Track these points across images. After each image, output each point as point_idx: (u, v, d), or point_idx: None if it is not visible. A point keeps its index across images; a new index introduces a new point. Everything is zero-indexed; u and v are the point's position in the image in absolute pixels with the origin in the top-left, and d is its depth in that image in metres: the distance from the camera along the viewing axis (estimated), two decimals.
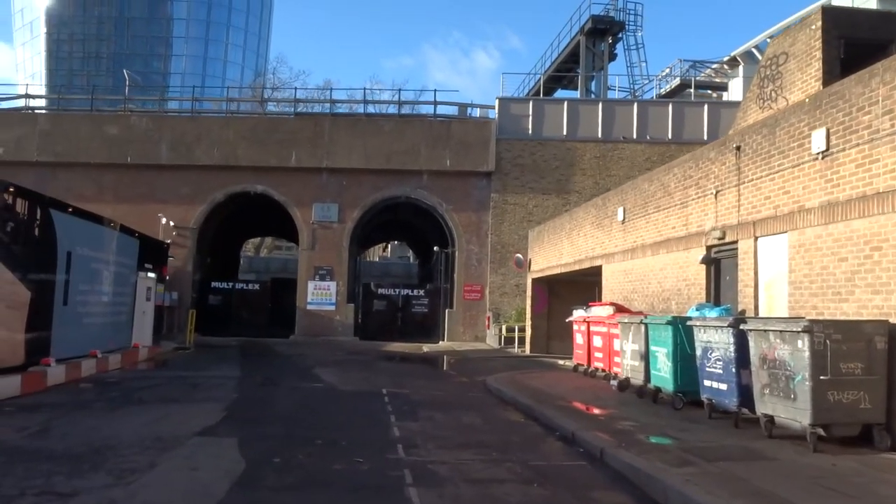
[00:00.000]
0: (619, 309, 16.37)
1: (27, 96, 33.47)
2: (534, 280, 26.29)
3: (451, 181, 32.39)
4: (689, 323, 11.59)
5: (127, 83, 34.51)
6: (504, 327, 29.15)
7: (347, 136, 32.13)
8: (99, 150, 31.97)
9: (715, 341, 10.78)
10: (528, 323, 26.40)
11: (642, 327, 13.33)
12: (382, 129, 32.34)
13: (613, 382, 15.24)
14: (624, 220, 17.51)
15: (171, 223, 31.75)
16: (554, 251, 23.65)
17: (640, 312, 15.44)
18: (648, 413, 11.55)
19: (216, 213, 33.33)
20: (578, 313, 18.31)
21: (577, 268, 20.97)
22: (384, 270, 57.86)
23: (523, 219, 30.98)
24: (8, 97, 33.91)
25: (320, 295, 32.02)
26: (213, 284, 33.03)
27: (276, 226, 36.71)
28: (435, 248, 34.11)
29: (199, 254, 32.72)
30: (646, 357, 13.22)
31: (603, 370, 16.50)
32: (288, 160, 31.99)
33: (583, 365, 17.81)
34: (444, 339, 31.66)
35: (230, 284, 33.28)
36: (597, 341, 16.79)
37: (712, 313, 11.82)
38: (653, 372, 12.85)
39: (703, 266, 13.57)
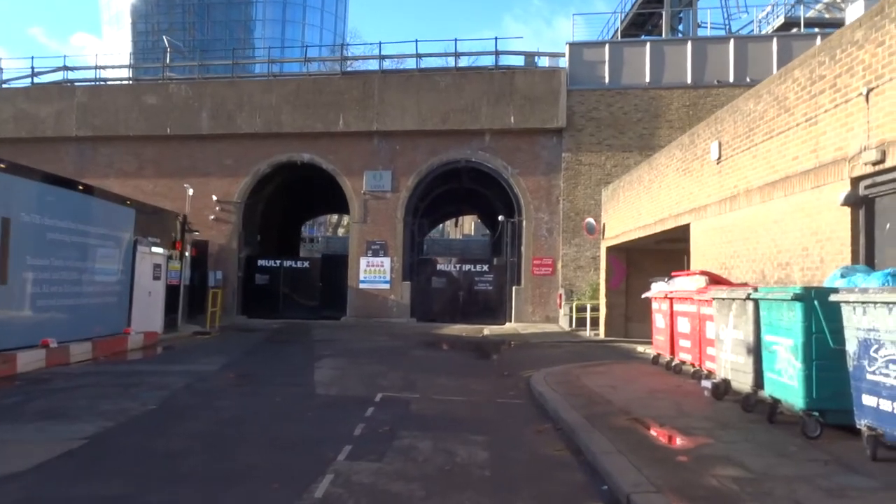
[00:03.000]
0: (714, 280, 11.45)
1: (65, 69, 30.87)
2: (608, 249, 21.34)
3: (516, 141, 27.64)
4: (833, 298, 6.71)
5: (168, 50, 31.59)
6: (574, 306, 24.31)
7: (399, 95, 27.87)
8: (138, 121, 29.05)
9: (886, 329, 5.92)
10: (602, 301, 21.51)
11: (749, 305, 8.50)
12: (438, 85, 27.84)
13: (706, 384, 10.39)
14: (719, 158, 12.48)
15: (214, 197, 28.52)
16: (631, 211, 18.66)
17: (743, 284, 10.53)
18: (763, 446, 6.80)
19: (262, 185, 29.86)
20: (658, 287, 13.46)
21: (658, 229, 15.99)
22: (448, 246, 53.49)
23: (600, 181, 25.88)
24: (46, 70, 31.41)
25: (373, 272, 28.07)
26: (260, 262, 29.56)
27: (327, 198, 32.93)
28: (499, 218, 29.46)
29: (245, 230, 29.34)
30: (755, 350, 8.41)
31: (691, 364, 11.67)
32: (335, 124, 28.07)
33: (664, 356, 12.99)
34: (510, 320, 27.11)
35: (277, 262, 29.68)
36: (682, 325, 11.93)
37: (871, 281, 6.90)
38: (767, 374, 8.02)
39: (847, 210, 8.53)
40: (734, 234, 11.87)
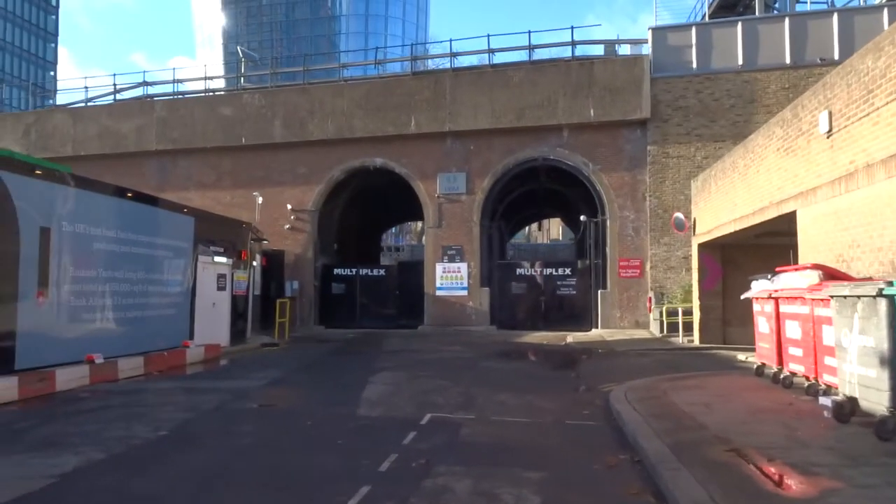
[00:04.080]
0: (830, 275, 9.44)
1: (145, 83, 31.12)
2: (701, 246, 19.16)
3: (597, 135, 25.71)
4: None
5: (242, 61, 31.40)
6: (664, 310, 22.14)
7: (471, 93, 26.47)
8: (214, 133, 28.86)
9: None
10: (696, 304, 19.31)
11: (882, 304, 6.60)
12: (511, 81, 26.27)
13: (824, 402, 8.44)
14: (830, 130, 10.40)
15: (289, 206, 27.92)
16: (725, 202, 16.51)
17: (867, 279, 8.50)
18: None
19: (337, 193, 29.06)
20: (760, 286, 11.46)
21: (757, 220, 13.85)
22: (534, 252, 51.48)
23: (690, 175, 23.56)
24: (127, 87, 31.74)
25: (450, 278, 26.71)
26: (336, 271, 28.71)
27: (403, 204, 31.83)
28: (581, 218, 27.54)
29: (321, 239, 28.60)
30: (892, 362, 6.48)
31: (804, 377, 9.67)
32: (407, 126, 26.95)
33: (769, 366, 10.97)
34: (596, 326, 25.15)
35: (353, 270, 28.75)
36: (792, 329, 9.93)
37: None
38: None
39: None
40: (852, 219, 9.78)
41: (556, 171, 27.27)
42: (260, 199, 25.13)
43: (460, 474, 6.07)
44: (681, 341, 19.66)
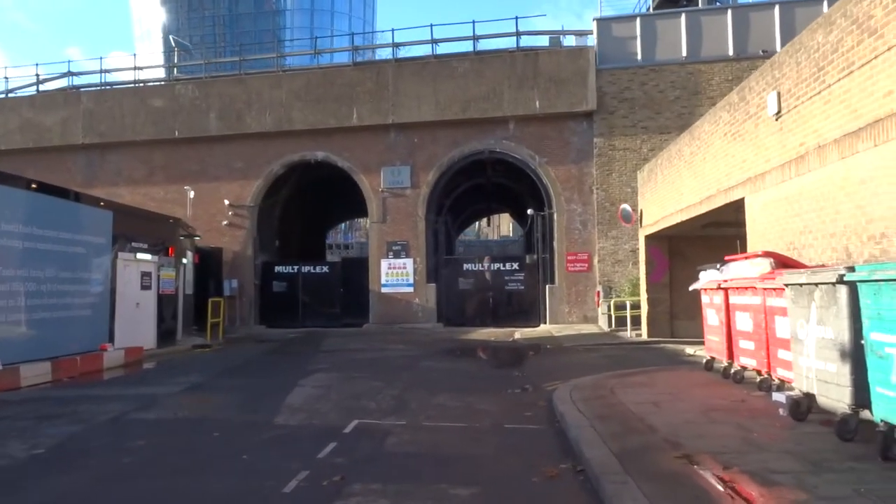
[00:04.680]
0: (781, 263, 8.91)
1: (70, 74, 29.34)
2: (648, 238, 18.68)
3: (543, 127, 25.13)
4: None
5: (176, 51, 29.84)
6: (612, 304, 21.66)
7: (415, 84, 25.62)
8: (145, 126, 27.38)
9: None
10: (643, 297, 18.84)
11: (842, 291, 6.01)
12: (456, 72, 25.50)
13: (779, 398, 7.88)
14: (779, 112, 9.87)
15: (227, 202, 26.64)
16: (671, 192, 16.02)
17: (820, 266, 7.94)
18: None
19: (277, 188, 27.87)
20: (708, 276, 10.92)
21: (704, 209, 13.34)
22: (485, 248, 50.92)
23: (636, 167, 23.09)
24: (51, 77, 29.90)
25: (396, 275, 25.83)
26: (277, 269, 27.52)
27: (347, 200, 30.76)
28: (529, 212, 26.94)
29: (261, 235, 27.38)
30: (854, 355, 5.89)
31: (756, 371, 9.11)
32: (349, 119, 25.96)
33: (719, 360, 10.42)
34: (545, 322, 24.57)
35: (295, 268, 27.60)
36: (742, 321, 9.36)
37: None
38: (878, 389, 5.52)
39: None
40: (803, 204, 9.26)
41: (502, 165, 26.62)
42: (192, 194, 23.87)
43: (379, 493, 5.23)
44: (629, 335, 19.17)
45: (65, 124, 27.83)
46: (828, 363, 6.34)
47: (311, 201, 33.62)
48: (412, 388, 10.77)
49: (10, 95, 29.79)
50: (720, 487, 4.92)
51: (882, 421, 5.50)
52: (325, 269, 28.47)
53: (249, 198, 26.81)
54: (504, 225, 72.61)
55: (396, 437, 7.24)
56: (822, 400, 6.55)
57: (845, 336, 6.02)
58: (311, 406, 9.13)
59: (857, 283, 5.80)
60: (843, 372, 6.06)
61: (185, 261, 19.77)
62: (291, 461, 6.20)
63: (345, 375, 12.25)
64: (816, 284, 6.53)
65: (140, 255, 16.81)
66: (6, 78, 29.92)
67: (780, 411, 7.41)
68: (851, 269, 5.97)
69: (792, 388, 7.64)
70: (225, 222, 26.69)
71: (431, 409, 8.95)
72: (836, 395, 6.22)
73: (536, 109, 24.78)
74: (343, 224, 62.12)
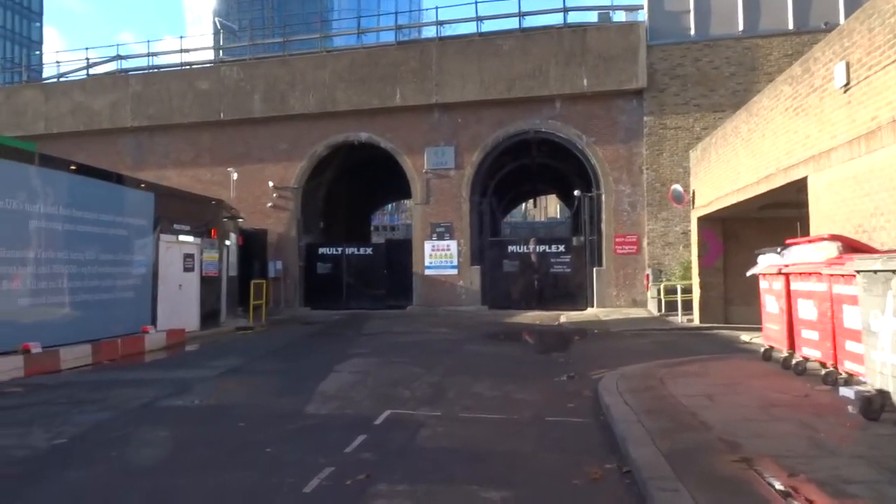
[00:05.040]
0: (851, 247, 8.15)
1: (119, 58, 29.56)
2: (700, 220, 17.84)
3: (591, 106, 24.30)
4: None
5: (222, 34, 29.81)
6: (662, 287, 20.86)
7: (459, 63, 25.01)
8: (192, 108, 27.43)
9: None
10: (696, 281, 18.03)
11: None
12: (501, 49, 24.79)
13: (846, 393, 7.21)
14: (848, 84, 9.06)
15: (271, 183, 26.55)
16: (726, 171, 15.15)
17: (893, 251, 7.19)
18: None
19: (321, 170, 27.67)
20: (768, 260, 10.18)
21: (763, 189, 12.52)
22: (531, 230, 50.08)
23: (688, 147, 22.14)
24: (101, 61, 30.19)
25: (439, 257, 25.43)
26: (321, 250, 27.37)
27: (392, 181, 30.35)
28: (575, 193, 26.18)
29: (305, 217, 27.25)
30: None
31: (820, 363, 8.42)
32: (392, 99, 25.53)
33: (779, 350, 9.70)
34: (592, 305, 23.89)
35: (339, 250, 27.40)
36: (805, 309, 8.66)
37: None
38: None
39: None
40: (875, 183, 8.47)
41: (548, 145, 25.87)
42: (235, 175, 23.79)
43: (402, 496, 4.82)
44: (680, 321, 18.41)
45: (114, 107, 28.07)
46: None
47: (356, 183, 33.40)
48: (452, 374, 10.35)
49: (61, 80, 30.15)
50: (785, 500, 4.36)
51: None
52: (369, 250, 28.25)
53: (293, 179, 26.66)
54: (551, 206, 71.63)
55: (430, 430, 6.82)
56: None
57: None
58: (345, 393, 8.79)
59: None
60: None
61: (228, 242, 19.67)
62: (318, 455, 5.84)
63: (384, 360, 11.91)
64: (893, 272, 5.84)
65: (182, 237, 16.73)
66: (58, 63, 30.28)
67: (849, 409, 6.75)
68: None
69: (862, 384, 6.97)
70: (269, 204, 26.63)
71: (470, 398, 8.52)
72: None
73: (584, 87, 23.94)
74: (389, 206, 61.94)
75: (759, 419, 6.59)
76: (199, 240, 17.49)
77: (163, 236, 15.87)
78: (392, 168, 27.17)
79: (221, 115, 27.03)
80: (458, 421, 7.25)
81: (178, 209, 16.81)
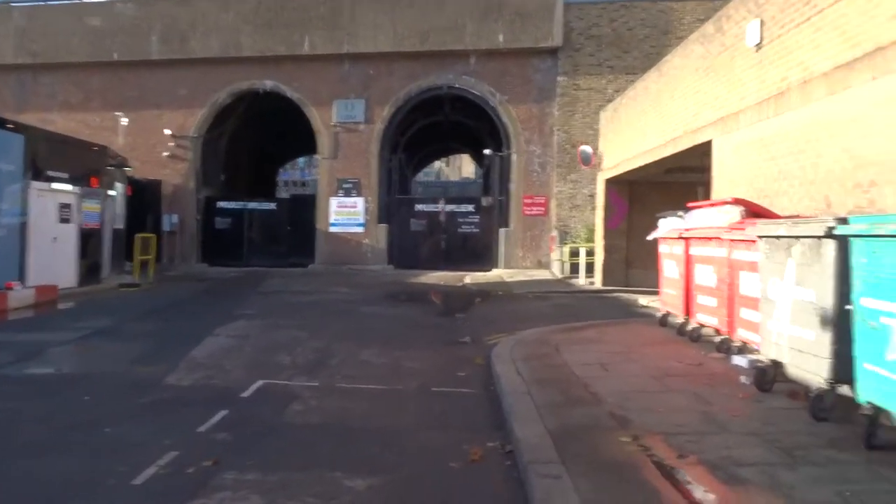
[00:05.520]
0: (754, 212, 7.82)
1: None
2: (608, 182, 17.63)
3: (505, 63, 23.68)
4: None
5: None
6: (567, 250, 20.72)
7: (373, 12, 23.81)
8: (81, 46, 25.15)
9: None
10: (599, 244, 17.90)
11: (829, 247, 4.96)
12: (416, 0, 23.77)
13: (739, 361, 6.99)
14: (760, 42, 8.72)
15: (168, 131, 24.78)
16: (634, 132, 14.88)
17: (794, 216, 6.92)
18: None
19: (223, 119, 26.01)
20: (669, 224, 9.86)
21: (669, 151, 12.26)
22: (444, 189, 49.60)
23: (600, 109, 21.84)
24: None
25: (346, 214, 24.50)
26: (221, 204, 25.91)
27: (298, 133, 29.00)
28: (486, 152, 25.68)
29: (205, 169, 25.66)
30: (838, 323, 4.88)
31: (715, 330, 8.16)
32: (300, 46, 24.14)
33: (675, 316, 9.45)
34: (498, 266, 23.60)
35: (240, 204, 26.02)
36: (703, 275, 8.36)
37: None
38: (865, 365, 4.56)
39: None
40: (780, 146, 8.20)
41: (461, 102, 25.14)
42: (125, 121, 21.98)
43: (249, 487, 4.11)
44: (582, 283, 18.29)
45: None
46: (805, 329, 5.35)
47: (262, 134, 31.77)
48: (341, 338, 9.63)
49: None
50: (674, 487, 3.90)
51: (868, 403, 4.54)
52: (273, 205, 27.01)
53: (193, 128, 24.99)
54: (465, 166, 71.15)
55: (302, 404, 6.11)
56: (794, 371, 5.58)
57: (829, 300, 5.01)
58: (216, 361, 7.94)
59: (850, 239, 4.76)
60: (824, 341, 5.07)
61: (113, 193, 18.13)
62: (164, 436, 5.04)
63: (269, 323, 11.06)
64: (798, 238, 5.48)
65: (57, 185, 15.17)
66: None
67: (742, 378, 6.46)
68: (843, 220, 4.92)
69: (755, 352, 6.71)
70: (166, 153, 24.90)
71: (355, 366, 7.85)
72: (812, 367, 5.24)
73: (500, 43, 23.27)
74: (301, 160, 59.86)
75: (651, 390, 6.21)
76: (77, 188, 15.94)
77: (34, 183, 14.31)
78: (302, 120, 25.85)
79: (115, 55, 24.92)
80: (335, 393, 6.57)
81: (53, 154, 15.21)
